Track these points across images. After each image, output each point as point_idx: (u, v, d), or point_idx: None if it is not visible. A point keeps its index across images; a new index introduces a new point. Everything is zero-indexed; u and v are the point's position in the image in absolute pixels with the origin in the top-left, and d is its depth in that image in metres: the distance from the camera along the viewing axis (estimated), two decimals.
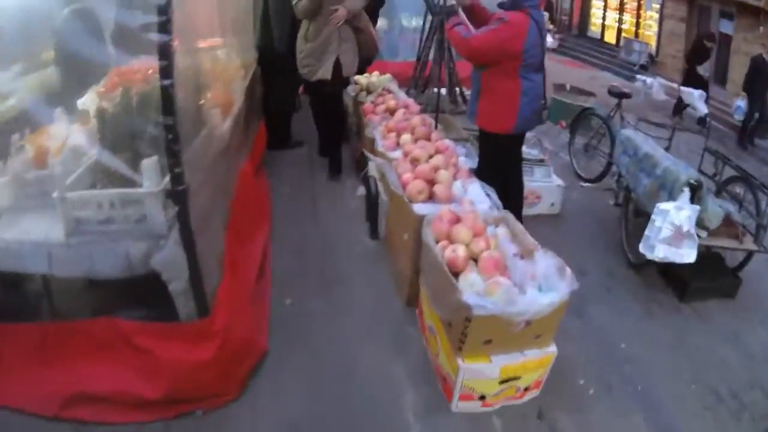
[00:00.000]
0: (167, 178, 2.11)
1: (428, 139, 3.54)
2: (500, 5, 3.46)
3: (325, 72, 4.27)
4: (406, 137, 3.53)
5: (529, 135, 4.01)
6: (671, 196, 3.35)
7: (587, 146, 5.67)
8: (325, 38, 4.21)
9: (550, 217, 4.60)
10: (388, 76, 5.39)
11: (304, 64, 4.34)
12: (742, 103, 8.69)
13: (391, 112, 4.23)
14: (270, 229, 3.79)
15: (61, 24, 3.30)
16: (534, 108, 3.49)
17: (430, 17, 6.40)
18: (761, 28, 10.49)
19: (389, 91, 4.90)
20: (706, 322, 3.44)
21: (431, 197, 3.00)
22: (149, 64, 3.21)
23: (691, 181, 3.29)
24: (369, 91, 4.99)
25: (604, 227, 4.53)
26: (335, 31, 4.19)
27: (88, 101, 3.10)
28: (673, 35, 13.32)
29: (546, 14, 13.16)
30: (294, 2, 4.14)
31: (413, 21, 8.56)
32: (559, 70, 12.49)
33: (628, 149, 4.09)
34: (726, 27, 11.72)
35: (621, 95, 5.51)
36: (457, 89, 6.38)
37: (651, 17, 14.66)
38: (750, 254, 3.67)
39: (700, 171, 4.45)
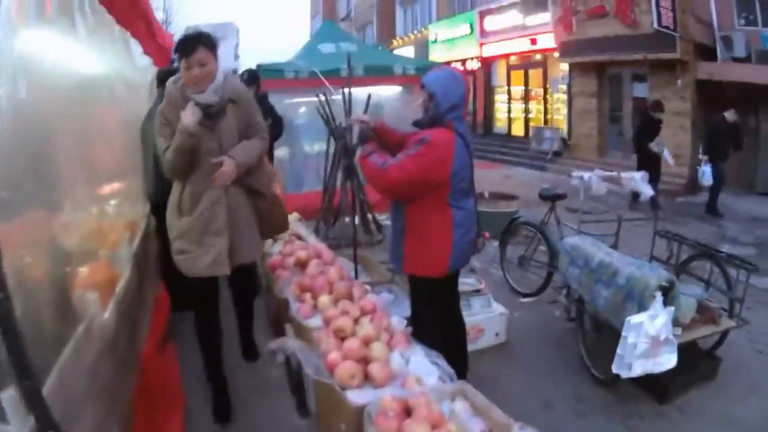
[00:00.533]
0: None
1: (350, 297, 3.02)
2: (416, 123, 3.05)
3: (211, 264, 2.91)
4: (324, 300, 2.99)
5: None
6: (642, 306, 3.01)
7: (522, 258, 5.31)
8: (208, 209, 2.90)
9: (497, 347, 4.20)
10: (294, 215, 4.95)
11: (177, 250, 3.00)
12: (706, 168, 8.63)
13: (303, 264, 3.68)
14: (183, 419, 3.12)
15: None
16: (469, 239, 3.05)
17: (333, 141, 6.12)
18: (678, 81, 10.88)
19: (298, 237, 4.42)
20: (695, 416, 3.26)
21: (366, 377, 2.44)
22: None
23: (663, 284, 2.98)
24: (274, 239, 4.45)
25: (558, 346, 4.16)
26: (221, 196, 2.92)
27: None
28: (584, 113, 13.84)
29: None
30: (161, 151, 2.92)
31: (315, 146, 8.33)
32: (475, 175, 12.55)
33: (576, 259, 3.74)
34: (640, 90, 12.22)
35: (554, 197, 5.07)
36: (369, 216, 6.02)
37: (559, 99, 15.24)
38: (727, 332, 3.45)
39: (653, 257, 4.27)
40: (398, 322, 2.81)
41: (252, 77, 5.57)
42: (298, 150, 8.60)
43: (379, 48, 22.16)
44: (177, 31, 27.72)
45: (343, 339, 2.64)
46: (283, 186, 6.49)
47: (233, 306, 3.67)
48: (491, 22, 17.17)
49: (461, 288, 3.88)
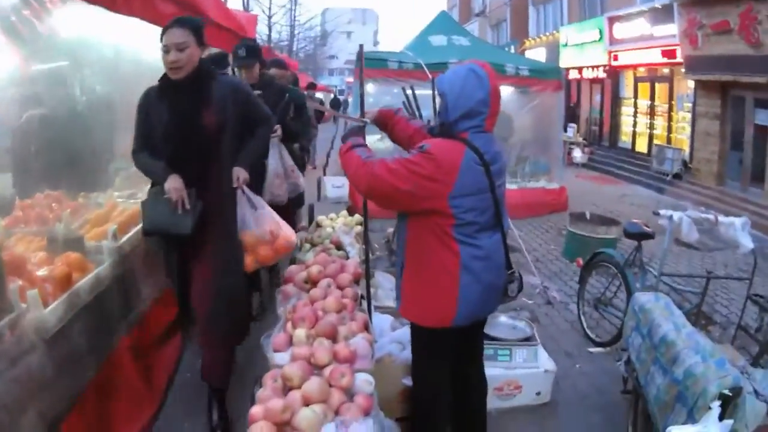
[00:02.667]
0: None
1: (332, 336, 2.49)
2: (429, 131, 2.51)
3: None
4: (299, 334, 2.47)
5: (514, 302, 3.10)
6: (691, 416, 2.17)
7: (598, 300, 4.56)
8: None
9: (536, 408, 3.51)
10: (356, 217, 4.45)
11: None
12: None
13: (314, 282, 3.12)
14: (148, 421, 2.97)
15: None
16: (488, 286, 2.36)
17: None
18: None
19: (337, 245, 3.88)
20: None
21: None
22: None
23: (725, 392, 2.10)
24: (314, 244, 3.99)
25: (610, 421, 3.39)
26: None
27: None
28: (707, 135, 12.56)
29: (573, 126, 12.43)
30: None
31: None
32: (587, 188, 12.05)
33: (641, 325, 2.92)
34: (763, 117, 10.92)
35: (641, 236, 4.30)
36: None
37: (683, 118, 13.98)
38: None
39: (740, 327, 3.57)
40: (366, 382, 2.26)
41: (217, 60, 4.39)
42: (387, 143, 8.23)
43: (510, 48, 21.39)
44: (304, 12, 28.53)
45: (290, 388, 2.17)
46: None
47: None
48: (620, 30, 15.89)
49: (506, 333, 3.40)
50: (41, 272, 2.52)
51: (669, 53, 13.43)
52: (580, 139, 15.12)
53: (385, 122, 2.70)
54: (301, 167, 5.01)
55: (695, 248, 6.80)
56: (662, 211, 4.24)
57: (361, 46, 3.33)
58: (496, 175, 2.30)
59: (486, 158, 2.25)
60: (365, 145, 2.44)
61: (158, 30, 2.68)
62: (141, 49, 4.07)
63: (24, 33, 2.89)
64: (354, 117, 2.77)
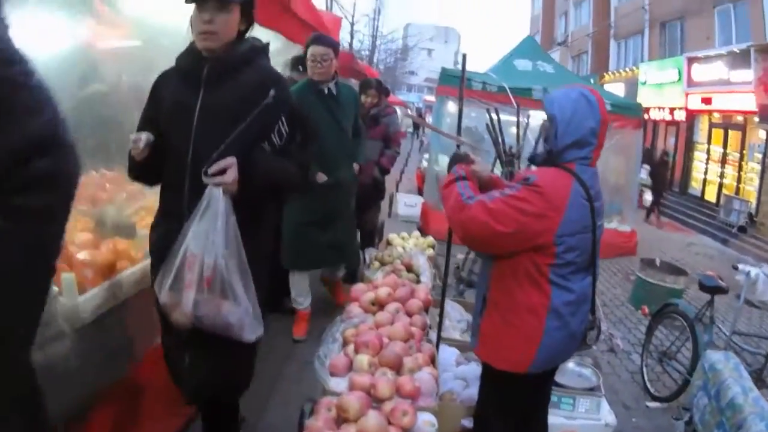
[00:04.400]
0: None
1: (397, 367, 2.17)
2: (530, 159, 2.23)
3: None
4: (361, 360, 2.17)
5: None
6: None
7: (663, 354, 4.30)
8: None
9: None
10: (429, 239, 4.21)
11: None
12: None
13: (382, 305, 2.86)
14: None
15: None
16: (571, 332, 2.11)
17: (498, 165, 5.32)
18: None
19: (408, 267, 3.60)
20: None
21: None
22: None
23: None
24: (383, 263, 3.74)
25: None
26: None
27: None
28: None
29: (647, 168, 11.88)
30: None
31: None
32: (656, 235, 11.56)
33: (709, 385, 2.73)
34: None
35: (715, 290, 4.01)
36: None
37: (752, 169, 13.36)
38: None
39: None
40: (428, 424, 1.93)
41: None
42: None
43: (590, 81, 20.89)
44: (386, 23, 28.52)
45: (345, 420, 1.88)
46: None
47: None
48: (698, 72, 15.27)
49: (571, 380, 3.09)
50: (82, 255, 2.27)
51: (744, 100, 12.88)
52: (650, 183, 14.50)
53: (485, 187, 2.35)
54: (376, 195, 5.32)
55: (756, 306, 6.44)
56: (740, 266, 4.12)
57: (464, 55, 3.00)
58: (598, 214, 2.06)
59: (592, 192, 2.01)
60: (470, 179, 2.19)
61: None
62: None
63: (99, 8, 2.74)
64: (451, 134, 2.57)
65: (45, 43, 2.64)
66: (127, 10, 3.13)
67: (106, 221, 2.67)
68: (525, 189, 1.93)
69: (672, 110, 16.92)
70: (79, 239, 2.41)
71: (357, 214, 4.34)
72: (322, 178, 3.64)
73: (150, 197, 3.21)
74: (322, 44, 3.60)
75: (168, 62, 2.18)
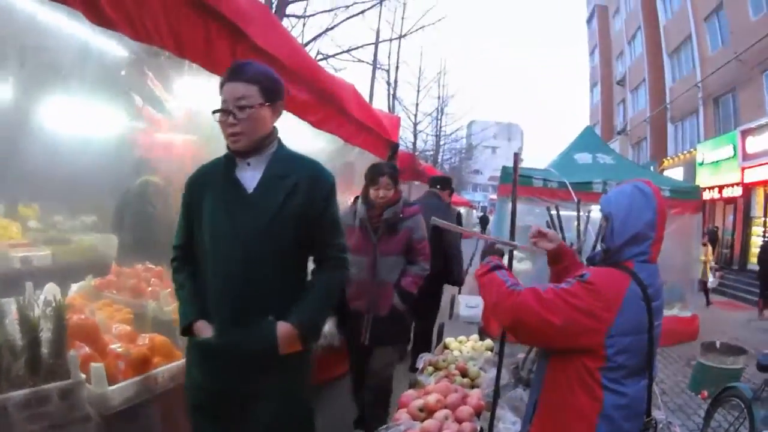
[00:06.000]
0: None
1: None
2: (589, 260, 2.12)
3: None
4: None
5: None
6: None
7: None
8: None
9: None
10: (487, 343, 4.08)
11: None
12: None
13: (431, 411, 2.74)
14: None
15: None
16: None
17: None
18: None
19: (462, 372, 3.43)
20: None
21: None
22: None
23: None
24: (437, 368, 3.55)
25: None
26: None
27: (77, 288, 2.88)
28: None
29: (707, 248, 11.43)
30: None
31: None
32: (717, 316, 11.18)
33: None
34: None
35: None
36: None
37: None
38: None
39: None
40: None
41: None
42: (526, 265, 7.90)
43: (650, 168, 20.75)
44: (449, 121, 28.60)
45: None
46: None
47: None
48: (753, 143, 15.09)
49: None
50: (117, 347, 2.28)
51: None
52: (713, 263, 13.85)
53: (560, 259, 2.31)
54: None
55: None
56: None
57: (516, 154, 2.91)
58: (656, 313, 1.93)
59: (649, 292, 1.89)
60: (506, 268, 2.13)
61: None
62: None
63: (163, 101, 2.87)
64: (505, 240, 2.40)
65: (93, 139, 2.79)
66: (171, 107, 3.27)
67: (147, 315, 2.68)
68: (578, 284, 1.85)
69: (727, 186, 16.68)
70: (116, 330, 2.43)
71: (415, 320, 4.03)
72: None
73: None
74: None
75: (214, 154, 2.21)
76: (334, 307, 2.71)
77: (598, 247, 2.07)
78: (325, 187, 2.06)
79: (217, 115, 1.96)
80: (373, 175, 3.53)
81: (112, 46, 2.60)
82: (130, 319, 2.64)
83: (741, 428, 3.95)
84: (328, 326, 3.65)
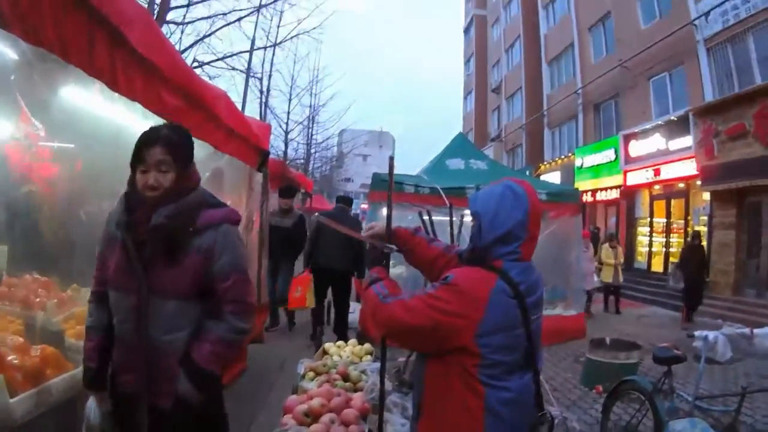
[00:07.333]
0: None
1: None
2: (458, 256, 2.19)
3: None
4: None
5: None
6: None
7: (624, 430, 4.23)
8: None
9: None
10: (366, 347, 4.09)
11: None
12: None
13: (316, 416, 2.79)
14: None
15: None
16: (515, 430, 1.95)
17: None
18: None
19: (344, 377, 3.47)
20: None
21: None
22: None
23: None
24: (318, 373, 3.56)
25: None
26: None
27: None
28: (723, 247, 12.65)
29: (616, 249, 11.92)
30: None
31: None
32: (604, 315, 11.72)
33: None
34: None
35: (672, 360, 3.96)
36: None
37: (699, 232, 13.60)
38: None
39: None
40: None
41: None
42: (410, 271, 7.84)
43: (526, 172, 21.49)
44: (320, 129, 28.80)
45: None
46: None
47: None
48: (635, 147, 16.23)
49: None
50: (13, 358, 2.24)
51: (684, 167, 13.59)
52: (597, 264, 14.57)
53: (401, 244, 2.38)
54: None
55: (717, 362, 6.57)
56: (696, 333, 4.12)
57: (391, 157, 2.96)
58: (532, 308, 1.97)
59: (521, 289, 1.93)
60: (385, 278, 2.15)
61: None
62: None
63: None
64: (378, 242, 2.36)
65: None
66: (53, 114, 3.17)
67: (36, 326, 2.62)
68: (442, 287, 1.89)
69: (609, 189, 17.67)
70: (12, 342, 2.37)
71: None
72: None
73: (81, 305, 3.13)
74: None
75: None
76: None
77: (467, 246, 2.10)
78: None
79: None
80: (140, 145, 2.02)
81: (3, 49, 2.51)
82: (22, 331, 2.56)
83: (644, 420, 4.07)
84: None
